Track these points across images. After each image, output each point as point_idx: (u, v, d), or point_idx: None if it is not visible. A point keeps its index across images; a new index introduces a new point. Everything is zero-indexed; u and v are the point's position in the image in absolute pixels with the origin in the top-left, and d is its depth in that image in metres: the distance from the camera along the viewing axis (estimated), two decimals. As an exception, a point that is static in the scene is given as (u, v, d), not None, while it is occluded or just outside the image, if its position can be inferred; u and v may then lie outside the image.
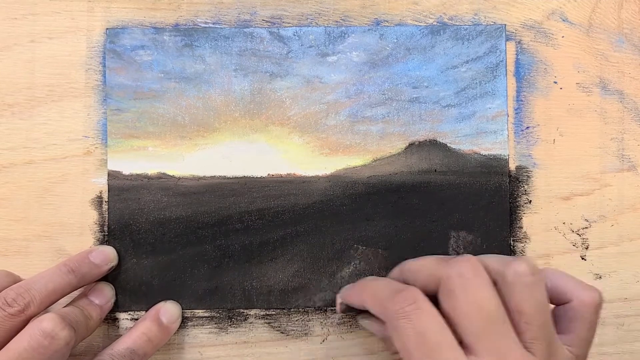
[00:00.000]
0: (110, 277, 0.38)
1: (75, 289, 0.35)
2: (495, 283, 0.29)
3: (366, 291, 0.34)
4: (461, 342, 0.29)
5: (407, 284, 0.32)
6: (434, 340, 0.28)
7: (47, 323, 0.31)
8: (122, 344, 0.35)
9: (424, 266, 0.32)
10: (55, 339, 0.31)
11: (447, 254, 0.38)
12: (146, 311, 0.38)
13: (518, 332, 0.29)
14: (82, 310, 0.34)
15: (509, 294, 0.29)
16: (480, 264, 0.30)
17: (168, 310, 0.37)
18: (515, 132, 0.39)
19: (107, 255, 0.37)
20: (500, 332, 0.28)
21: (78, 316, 0.34)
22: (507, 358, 0.28)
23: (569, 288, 0.31)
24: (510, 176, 0.39)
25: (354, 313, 0.36)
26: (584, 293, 0.31)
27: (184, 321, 0.38)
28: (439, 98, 0.39)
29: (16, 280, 0.35)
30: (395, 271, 0.35)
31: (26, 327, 0.31)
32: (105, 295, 0.37)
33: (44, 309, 0.33)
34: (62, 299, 0.34)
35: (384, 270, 0.38)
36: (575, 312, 0.30)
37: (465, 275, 0.29)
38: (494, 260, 0.30)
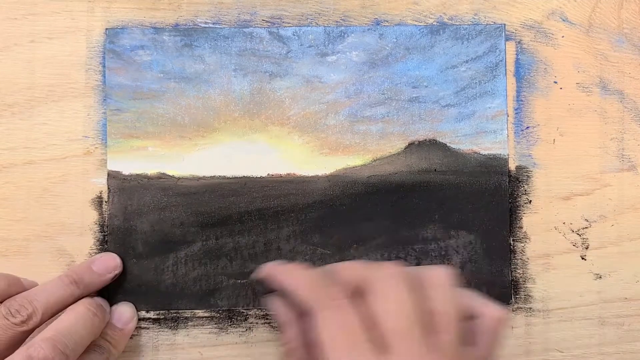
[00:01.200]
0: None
1: (79, 299, 0.35)
2: (415, 289, 0.31)
3: (296, 275, 0.33)
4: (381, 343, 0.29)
5: None
6: (353, 337, 0.29)
7: (36, 351, 0.31)
8: None
9: (350, 268, 0.33)
10: None
11: (447, 253, 0.38)
12: (146, 312, 0.38)
13: (437, 332, 0.30)
14: (93, 314, 0.34)
15: (433, 295, 0.31)
16: (403, 269, 0.31)
17: (122, 313, 0.37)
18: (515, 132, 0.39)
19: (110, 265, 0.37)
20: (419, 334, 0.29)
21: (76, 332, 0.33)
22: (425, 357, 0.29)
23: (477, 305, 0.33)
24: (510, 176, 0.39)
25: (260, 289, 0.36)
26: (492, 309, 0.32)
27: (185, 321, 0.38)
28: (439, 98, 0.39)
29: (14, 281, 0.35)
30: (317, 271, 0.34)
31: (17, 352, 0.31)
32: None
33: (47, 319, 0.33)
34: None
35: (383, 270, 0.38)
36: (483, 326, 0.32)
37: (387, 279, 0.31)
38: (416, 268, 0.32)
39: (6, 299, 0.33)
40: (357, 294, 0.31)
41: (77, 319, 0.33)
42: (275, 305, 0.35)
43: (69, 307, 0.34)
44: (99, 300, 0.36)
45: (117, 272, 0.37)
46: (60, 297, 0.34)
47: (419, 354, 0.29)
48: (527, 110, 0.39)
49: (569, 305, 0.39)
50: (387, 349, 0.29)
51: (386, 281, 0.31)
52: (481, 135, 0.39)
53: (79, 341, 0.33)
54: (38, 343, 0.31)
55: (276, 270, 0.35)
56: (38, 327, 0.33)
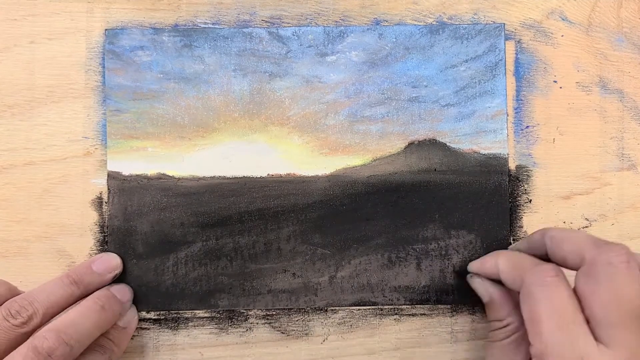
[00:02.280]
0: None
1: (79, 299, 0.35)
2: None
3: (502, 257, 0.34)
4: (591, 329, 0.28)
5: (545, 249, 0.33)
6: (567, 317, 0.28)
7: (40, 341, 0.31)
8: None
9: (571, 239, 0.32)
10: (50, 358, 0.31)
11: (447, 253, 0.38)
12: (147, 312, 0.38)
13: None
14: (101, 307, 0.34)
15: None
16: (633, 257, 0.29)
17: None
18: (515, 132, 0.39)
19: (110, 264, 0.37)
20: (635, 328, 0.28)
21: (81, 324, 0.33)
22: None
23: None
24: (510, 175, 0.39)
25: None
26: None
27: (185, 322, 0.38)
28: (439, 97, 0.39)
29: (11, 289, 0.35)
30: (537, 234, 0.34)
31: (23, 344, 0.31)
32: (125, 294, 0.37)
33: (48, 320, 0.33)
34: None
35: (384, 270, 0.38)
36: None
37: (615, 265, 0.29)
38: None
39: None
40: (571, 267, 0.30)
41: (82, 312, 0.33)
42: (478, 283, 0.36)
43: (79, 302, 0.34)
44: (115, 290, 0.36)
45: (117, 271, 0.37)
46: (61, 298, 0.34)
47: (637, 351, 0.28)
48: (527, 109, 0.39)
49: (569, 305, 0.39)
50: (603, 339, 0.28)
51: (612, 267, 0.28)
52: (481, 135, 0.39)
53: (85, 333, 0.33)
54: (43, 334, 0.31)
55: (479, 262, 0.36)
56: (39, 327, 0.33)
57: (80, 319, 0.33)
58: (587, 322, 0.29)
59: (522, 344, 0.33)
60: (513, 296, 0.34)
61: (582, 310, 0.29)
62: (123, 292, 0.37)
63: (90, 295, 0.35)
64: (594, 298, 0.29)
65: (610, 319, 0.28)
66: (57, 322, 0.32)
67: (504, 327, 0.34)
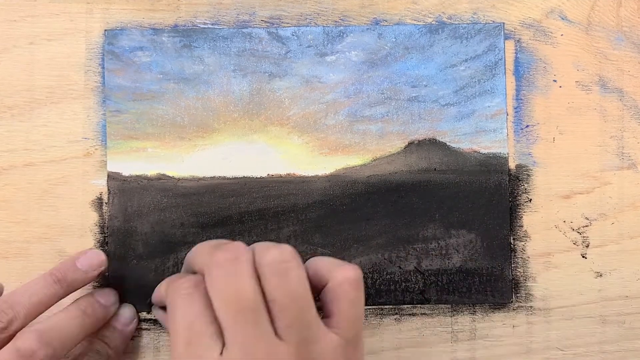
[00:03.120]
0: (111, 278, 0.38)
1: (63, 298, 0.35)
2: (251, 274, 0.29)
3: (162, 284, 0.33)
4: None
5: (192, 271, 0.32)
6: (196, 327, 0.28)
7: (22, 342, 0.31)
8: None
9: (198, 251, 0.32)
10: (32, 358, 0.31)
11: (447, 252, 0.38)
12: (147, 313, 0.38)
13: (273, 321, 0.28)
14: (82, 311, 0.34)
15: (264, 282, 0.28)
16: (244, 251, 0.29)
17: (121, 314, 0.37)
18: (514, 131, 0.39)
19: (94, 261, 0.36)
20: (252, 321, 0.27)
21: (64, 327, 0.33)
22: (256, 347, 0.27)
23: (325, 270, 0.30)
24: (510, 175, 0.39)
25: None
26: (339, 271, 0.30)
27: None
28: (438, 97, 0.39)
29: None
30: (185, 262, 0.34)
31: (5, 347, 0.31)
32: (109, 297, 0.37)
33: (30, 321, 0.33)
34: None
35: (384, 270, 0.38)
36: (333, 292, 0.30)
37: (225, 264, 0.28)
38: (258, 248, 0.30)
39: None
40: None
41: (66, 316, 0.33)
42: (155, 312, 0.36)
43: (63, 308, 0.34)
44: (99, 295, 0.36)
45: (102, 268, 0.36)
46: (44, 297, 0.33)
47: (254, 344, 0.27)
48: (527, 108, 0.39)
49: (569, 304, 0.39)
50: (224, 340, 0.28)
51: (223, 267, 0.28)
52: (481, 134, 0.39)
53: (67, 336, 0.33)
54: (25, 334, 0.31)
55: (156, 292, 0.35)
56: (20, 330, 0.32)
57: (62, 322, 0.33)
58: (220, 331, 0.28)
59: None
60: None
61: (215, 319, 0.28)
62: (107, 296, 0.37)
63: (73, 302, 0.35)
64: (213, 301, 0.28)
65: (226, 317, 0.28)
66: (39, 325, 0.32)
67: None
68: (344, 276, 0.30)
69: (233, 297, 0.28)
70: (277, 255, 0.29)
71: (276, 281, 0.28)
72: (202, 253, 0.31)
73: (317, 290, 0.31)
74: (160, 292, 0.33)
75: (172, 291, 0.30)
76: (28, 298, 0.33)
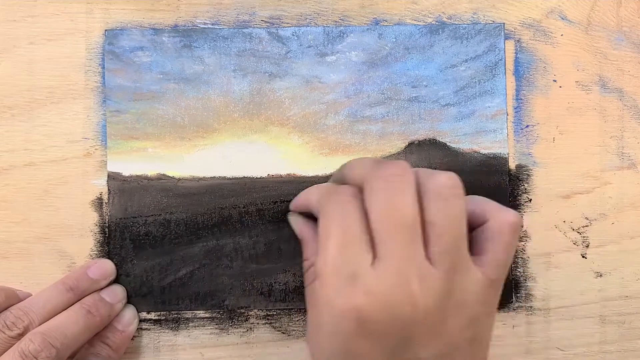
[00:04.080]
0: (110, 278, 0.38)
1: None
2: (418, 193, 0.29)
3: (312, 187, 0.34)
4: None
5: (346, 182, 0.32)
6: (352, 232, 0.28)
7: (26, 344, 0.31)
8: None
9: (354, 164, 0.32)
10: (36, 359, 0.31)
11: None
12: (147, 313, 0.38)
13: (427, 244, 0.28)
14: (87, 311, 0.34)
15: (426, 204, 0.28)
16: (410, 170, 0.29)
17: (123, 315, 0.37)
18: (515, 131, 0.39)
19: (106, 270, 0.37)
20: (408, 239, 0.27)
21: (67, 328, 0.33)
22: (407, 266, 0.27)
23: (487, 209, 0.30)
24: (510, 175, 0.39)
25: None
26: (501, 213, 0.30)
27: (186, 322, 0.38)
28: (438, 97, 0.39)
29: (11, 294, 0.35)
30: (336, 172, 0.35)
31: (10, 349, 0.31)
32: (116, 294, 0.37)
33: None
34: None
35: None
36: (491, 231, 0.30)
37: (390, 179, 0.28)
38: (422, 171, 0.30)
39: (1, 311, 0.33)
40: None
41: (69, 316, 0.34)
42: (292, 220, 0.36)
43: (68, 308, 0.35)
44: (105, 293, 0.36)
45: (112, 278, 0.37)
46: (57, 305, 0.34)
47: (406, 262, 0.27)
48: (527, 109, 0.39)
49: (569, 304, 0.39)
50: (379, 253, 0.28)
51: (387, 181, 0.28)
52: (481, 135, 0.39)
53: (71, 336, 0.33)
54: (29, 337, 0.31)
55: (295, 200, 0.36)
56: None
57: (66, 322, 0.33)
58: (372, 242, 0.28)
59: None
60: None
61: (369, 231, 0.28)
62: (113, 293, 0.37)
63: (78, 301, 0.35)
64: (371, 212, 0.28)
65: (383, 230, 0.28)
66: (43, 325, 0.33)
67: (310, 267, 0.32)
68: (506, 219, 0.30)
69: (393, 211, 0.28)
70: (444, 180, 0.29)
71: (439, 205, 0.28)
72: (364, 166, 0.31)
73: (471, 227, 0.30)
74: (308, 198, 0.33)
75: (329, 197, 0.30)
76: (42, 306, 0.34)
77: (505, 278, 0.30)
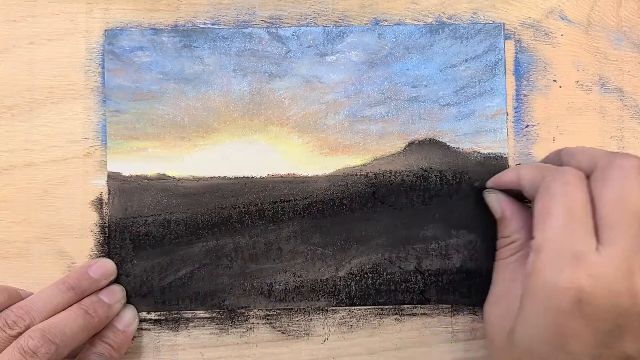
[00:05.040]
0: (110, 278, 0.38)
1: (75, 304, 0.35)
2: None
3: (524, 165, 0.35)
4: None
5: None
6: (576, 216, 0.29)
7: (25, 340, 0.31)
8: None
9: (585, 151, 0.32)
10: (35, 356, 0.31)
11: (448, 252, 0.38)
12: (147, 313, 0.38)
13: None
14: (85, 311, 0.34)
15: None
16: None
17: (123, 315, 0.37)
18: (515, 131, 0.39)
19: (107, 270, 0.37)
20: (637, 230, 0.28)
21: (66, 326, 0.33)
22: (633, 256, 0.28)
23: None
24: (510, 175, 0.39)
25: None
26: None
27: (186, 322, 0.38)
28: (438, 97, 0.39)
29: (13, 294, 0.35)
30: (552, 153, 0.35)
31: (10, 346, 0.31)
32: (115, 294, 0.37)
33: None
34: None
35: (384, 270, 0.38)
36: None
37: (625, 168, 0.29)
38: None
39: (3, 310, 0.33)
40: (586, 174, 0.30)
41: (67, 315, 0.34)
42: (491, 198, 0.36)
43: (66, 309, 0.35)
44: (103, 294, 0.36)
45: (112, 277, 0.37)
46: (58, 305, 0.34)
47: (632, 252, 0.28)
48: (527, 109, 0.39)
49: (569, 304, 0.39)
50: (604, 240, 0.28)
51: (623, 170, 0.29)
52: (481, 134, 0.39)
53: (69, 334, 0.33)
54: (28, 334, 0.32)
55: (499, 176, 0.36)
56: None
57: (65, 320, 0.33)
58: (596, 226, 0.29)
59: (525, 262, 0.32)
60: (524, 214, 0.34)
61: (593, 215, 0.29)
62: (112, 294, 0.37)
63: (76, 303, 0.35)
64: (600, 198, 0.29)
65: (612, 218, 0.28)
66: (42, 323, 0.33)
67: (510, 244, 0.34)
68: None
69: (626, 201, 0.28)
70: None
71: None
72: (594, 153, 0.31)
73: None
74: (519, 175, 0.34)
75: (554, 177, 0.30)
76: (43, 305, 0.34)
77: None
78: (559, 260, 0.29)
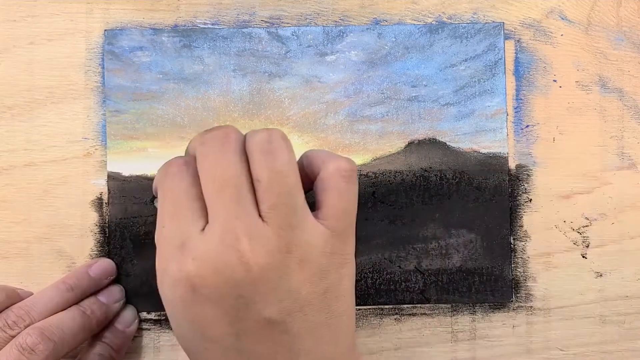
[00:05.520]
0: (110, 278, 0.38)
1: (74, 304, 0.35)
2: (238, 153, 0.29)
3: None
4: None
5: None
6: (180, 202, 0.28)
7: (23, 338, 0.31)
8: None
9: (193, 138, 0.31)
10: (33, 353, 0.31)
11: (447, 252, 0.38)
12: (148, 313, 0.38)
13: (257, 202, 0.28)
14: (82, 312, 0.34)
15: (251, 162, 0.28)
16: (233, 131, 0.29)
17: (123, 315, 0.37)
18: (514, 131, 0.39)
19: (107, 269, 0.37)
20: (234, 198, 0.27)
21: (64, 324, 0.33)
22: (235, 225, 0.27)
23: (318, 161, 0.30)
24: (510, 174, 0.39)
25: None
26: (330, 162, 0.30)
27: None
28: (438, 96, 0.39)
29: (12, 294, 0.35)
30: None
31: (8, 344, 0.31)
32: (113, 295, 0.37)
33: None
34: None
35: (384, 269, 0.38)
36: (323, 182, 0.29)
37: (212, 142, 0.29)
38: (249, 132, 0.30)
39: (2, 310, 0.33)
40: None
41: (66, 315, 0.34)
42: (156, 201, 0.35)
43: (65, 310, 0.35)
44: (102, 295, 0.36)
45: (112, 277, 0.37)
46: (58, 305, 0.34)
47: (234, 221, 0.27)
48: (527, 108, 0.39)
49: (569, 304, 0.39)
50: (209, 218, 0.28)
51: (209, 145, 0.29)
52: (481, 134, 0.39)
53: (68, 333, 0.33)
54: (26, 331, 0.32)
55: None
56: None
57: (63, 319, 0.33)
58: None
59: None
60: None
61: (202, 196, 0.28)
62: (110, 294, 0.37)
63: (79, 303, 0.35)
64: (200, 178, 0.28)
65: (210, 193, 0.28)
66: (40, 322, 0.33)
67: None
68: (335, 166, 0.29)
69: (217, 173, 0.28)
70: (265, 136, 0.28)
71: (262, 161, 0.28)
72: (196, 137, 0.30)
73: (311, 181, 0.30)
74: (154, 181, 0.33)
75: (163, 170, 0.30)
76: (43, 305, 0.34)
77: (348, 229, 0.30)
78: (167, 255, 0.28)
